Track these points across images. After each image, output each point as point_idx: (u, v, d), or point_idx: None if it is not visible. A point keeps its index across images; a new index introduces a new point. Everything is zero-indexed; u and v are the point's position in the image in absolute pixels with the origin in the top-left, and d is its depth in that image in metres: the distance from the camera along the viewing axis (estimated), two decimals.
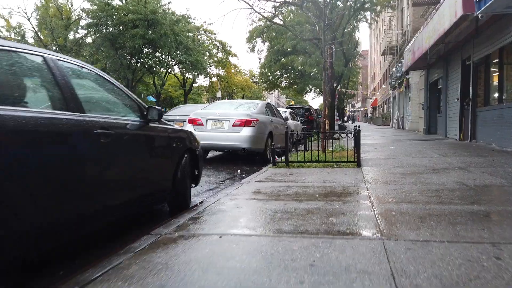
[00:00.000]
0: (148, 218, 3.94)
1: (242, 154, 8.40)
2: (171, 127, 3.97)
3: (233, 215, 3.43)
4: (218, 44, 44.73)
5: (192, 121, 8.52)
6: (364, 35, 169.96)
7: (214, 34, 44.62)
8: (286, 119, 11.04)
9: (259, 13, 12.60)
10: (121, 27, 30.24)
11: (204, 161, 9.07)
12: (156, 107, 3.51)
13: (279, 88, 42.14)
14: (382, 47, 28.67)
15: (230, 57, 48.10)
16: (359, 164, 6.57)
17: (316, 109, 27.82)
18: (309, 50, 18.86)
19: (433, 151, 9.09)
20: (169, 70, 36.25)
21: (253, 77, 43.80)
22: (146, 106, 3.48)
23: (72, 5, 28.11)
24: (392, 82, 27.71)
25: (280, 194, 4.34)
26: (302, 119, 20.47)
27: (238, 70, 64.25)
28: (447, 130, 13.64)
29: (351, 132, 6.81)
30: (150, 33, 29.19)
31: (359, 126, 6.63)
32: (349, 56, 21.15)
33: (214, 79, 56.27)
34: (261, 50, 21.36)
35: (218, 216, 3.37)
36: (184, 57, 32.46)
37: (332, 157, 7.19)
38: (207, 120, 8.39)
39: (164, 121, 3.89)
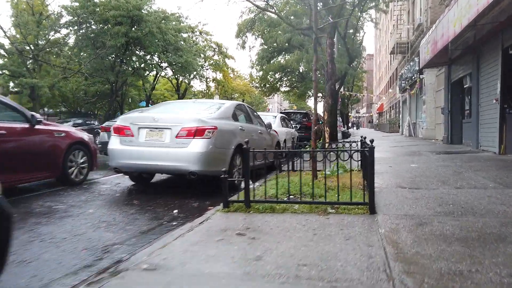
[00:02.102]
0: None
1: (192, 179, 5.55)
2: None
3: None
4: (214, 46, 42.27)
5: (118, 130, 5.70)
6: (369, 39, 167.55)
7: (210, 35, 42.14)
8: (269, 126, 8.20)
9: (249, 0, 9.83)
10: (102, 25, 27.70)
11: (147, 186, 6.24)
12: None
13: (279, 92, 39.36)
14: (390, 46, 25.84)
15: (227, 60, 45.63)
16: (372, 209, 3.70)
17: (317, 114, 24.97)
18: (306, 45, 16.10)
19: (476, 173, 6.19)
20: (160, 72, 33.57)
21: (253, 82, 41.48)
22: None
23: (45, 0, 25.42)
24: (402, 84, 24.81)
25: None
26: (299, 125, 17.66)
27: (237, 74, 61.78)
28: (479, 140, 10.72)
29: (357, 151, 3.93)
30: (134, 31, 26.58)
31: (371, 141, 3.83)
32: (354, 52, 18.33)
33: (211, 83, 53.87)
34: (253, 47, 18.70)
35: None
36: (174, 58, 29.81)
37: (326, 188, 4.35)
38: (139, 128, 5.56)
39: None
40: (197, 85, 63.44)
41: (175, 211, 4.56)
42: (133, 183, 6.59)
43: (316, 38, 6.01)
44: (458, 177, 5.83)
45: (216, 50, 42.75)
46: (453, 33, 9.38)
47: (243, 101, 65.43)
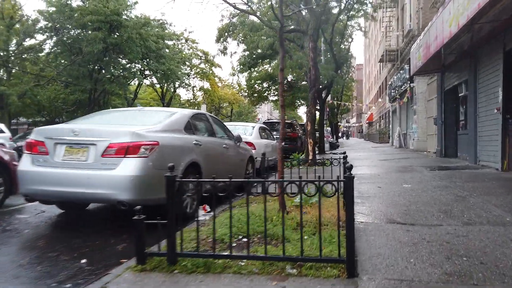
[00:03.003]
0: None
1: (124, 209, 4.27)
2: None
3: None
4: (200, 54, 41.25)
5: (30, 146, 4.42)
6: (358, 50, 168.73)
7: (196, 43, 41.10)
8: (239, 139, 6.96)
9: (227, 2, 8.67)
10: (80, 31, 26.42)
11: (79, 216, 4.91)
12: None
13: (267, 101, 38.41)
14: (379, 54, 24.99)
15: (214, 68, 44.60)
16: (351, 270, 2.48)
17: (302, 124, 23.89)
18: (290, 50, 15.03)
19: (484, 199, 5.04)
20: (141, 80, 32.22)
21: (242, 91, 40.45)
22: None
23: (16, 3, 24.08)
24: (392, 93, 23.90)
25: None
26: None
27: (225, 83, 60.73)
28: (478, 154, 9.64)
29: (330, 182, 2.72)
30: (112, 36, 25.32)
31: (349, 168, 2.65)
32: (341, 59, 17.32)
33: (199, 92, 52.69)
34: (234, 53, 17.50)
35: None
36: (155, 65, 28.58)
37: (296, 225, 3.20)
38: (55, 144, 4.30)
39: None
40: (184, 94, 62.21)
41: (83, 260, 3.28)
42: (62, 211, 5.29)
43: (282, 29, 4.82)
44: (463, 205, 4.65)
45: (202, 58, 41.76)
46: (448, 34, 8.33)
47: (231, 111, 64.38)
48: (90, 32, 25.21)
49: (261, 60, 17.13)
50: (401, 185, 6.66)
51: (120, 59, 28.47)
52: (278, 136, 16.69)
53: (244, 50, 17.08)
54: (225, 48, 16.89)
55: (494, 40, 8.48)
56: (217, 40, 16.18)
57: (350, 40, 18.57)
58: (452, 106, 12.54)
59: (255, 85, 32.39)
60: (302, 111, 57.47)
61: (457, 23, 7.66)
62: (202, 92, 47.69)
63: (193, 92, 47.94)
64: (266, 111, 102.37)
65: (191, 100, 49.80)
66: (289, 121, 17.62)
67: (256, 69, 17.67)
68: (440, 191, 5.77)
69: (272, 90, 33.33)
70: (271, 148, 11.49)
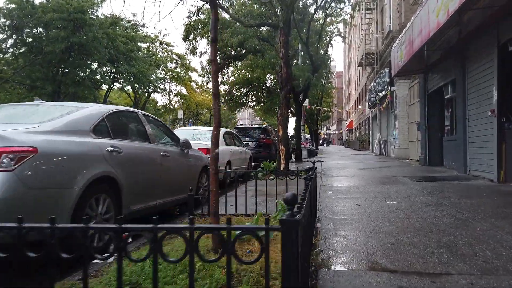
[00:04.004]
0: None
1: None
2: None
3: None
4: (175, 58, 39.78)
5: None
6: (338, 57, 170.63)
7: (171, 46, 39.69)
8: (186, 144, 5.57)
9: None
10: (42, 30, 24.56)
11: None
12: None
13: (244, 107, 37.24)
14: (358, 58, 24.14)
15: (191, 73, 43.18)
16: None
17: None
18: (262, 49, 13.84)
19: (495, 224, 3.84)
20: (111, 84, 30.38)
21: (221, 98, 39.15)
22: None
23: None
24: (372, 99, 23.01)
25: None
26: (256, 143, 15.21)
27: (204, 89, 59.30)
28: (468, 163, 8.57)
29: (257, 231, 1.52)
30: (76, 36, 23.56)
31: (291, 204, 1.41)
32: (318, 61, 16.22)
33: (175, 97, 51.14)
34: (205, 52, 16.11)
35: None
36: (125, 68, 26.92)
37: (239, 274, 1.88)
38: None
39: None
40: (160, 99, 60.42)
41: None
42: None
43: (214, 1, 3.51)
44: (469, 235, 3.43)
45: (178, 62, 40.30)
46: (435, 25, 7.24)
47: (210, 117, 63.11)
48: (53, 30, 23.46)
49: (232, 61, 15.85)
50: (384, 201, 5.43)
51: (88, 62, 26.68)
52: (251, 141, 15.44)
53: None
54: (194, 47, 15.50)
55: (486, 33, 7.44)
56: (185, 39, 14.78)
57: (327, 40, 17.52)
58: (437, 110, 11.54)
59: (233, 91, 31.28)
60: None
61: (447, 10, 6.57)
62: (179, 98, 46.07)
63: (169, 98, 46.32)
64: (247, 118, 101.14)
65: (168, 106, 48.15)
66: (263, 127, 16.40)
67: (227, 70, 16.40)
68: (434, 211, 4.55)
69: (250, 95, 32.26)
70: (238, 156, 10.17)
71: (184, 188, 4.82)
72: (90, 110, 3.93)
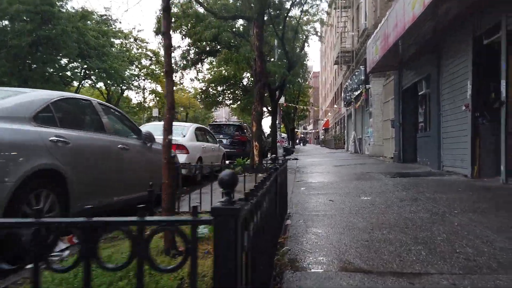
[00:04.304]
0: None
1: None
2: None
3: None
4: (150, 54, 38.82)
5: None
6: (315, 57, 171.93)
7: (146, 42, 38.72)
8: (149, 137, 5.16)
9: None
10: (8, 23, 23.30)
11: None
12: None
13: (220, 106, 36.81)
14: (334, 57, 24.15)
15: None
16: None
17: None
18: (237, 43, 13.51)
19: (471, 219, 3.65)
20: (81, 80, 29.24)
21: (197, 96, 38.17)
22: None
23: None
24: (347, 97, 23.06)
25: None
26: (230, 140, 14.86)
27: (180, 87, 58.31)
28: (442, 159, 8.51)
29: (184, 223, 1.21)
30: (44, 29, 22.48)
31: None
32: (294, 57, 16.00)
33: (150, 95, 50.08)
34: (178, 47, 15.58)
35: None
36: (96, 63, 25.95)
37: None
38: None
39: None
40: (134, 96, 58.98)
41: None
42: None
43: None
44: (447, 230, 3.20)
45: (152, 58, 39.37)
46: (411, 18, 7.10)
47: (186, 115, 62.10)
48: (19, 23, 22.32)
49: (206, 56, 15.42)
50: (358, 196, 5.19)
51: (57, 57, 25.50)
52: (226, 139, 15.06)
53: (189, 44, 15.25)
54: None
55: (462, 26, 7.37)
56: (157, 32, 14.23)
57: (303, 37, 17.33)
58: (411, 107, 11.51)
59: (209, 89, 30.81)
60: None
61: (423, 2, 6.42)
62: (153, 95, 44.97)
63: (143, 95, 45.19)
64: (224, 117, 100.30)
65: (142, 104, 46.98)
66: (238, 123, 16.06)
67: (202, 67, 15.96)
68: (410, 206, 4.33)
69: (227, 94, 31.90)
70: (211, 153, 9.78)
71: (144, 186, 4.42)
72: (33, 96, 3.48)
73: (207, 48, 15.45)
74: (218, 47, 15.75)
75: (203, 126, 10.28)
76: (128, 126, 5.06)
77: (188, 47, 15.37)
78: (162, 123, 9.14)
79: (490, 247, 2.68)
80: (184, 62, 15.17)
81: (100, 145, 4.07)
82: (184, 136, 8.56)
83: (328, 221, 3.71)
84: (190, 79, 31.46)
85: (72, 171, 3.47)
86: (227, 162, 12.90)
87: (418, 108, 11.26)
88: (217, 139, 11.50)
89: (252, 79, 20.44)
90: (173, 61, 18.66)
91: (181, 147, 7.98)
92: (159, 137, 7.74)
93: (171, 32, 9.85)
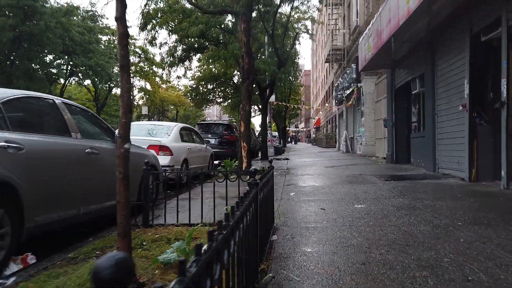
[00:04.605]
0: None
1: None
2: None
3: None
4: (139, 51, 38.16)
5: None
6: (306, 56, 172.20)
7: (134, 39, 37.96)
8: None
9: None
10: None
11: None
12: None
13: (210, 104, 36.27)
14: (326, 54, 23.80)
15: (155, 68, 41.63)
16: None
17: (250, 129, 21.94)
18: (225, 39, 13.05)
19: (478, 234, 3.27)
20: (67, 78, 28.48)
21: (188, 93, 37.55)
22: None
23: None
24: (339, 96, 22.75)
25: None
26: (219, 139, 14.43)
27: (170, 85, 57.58)
28: (437, 160, 8.19)
29: None
30: (27, 24, 21.75)
31: None
32: (284, 55, 15.59)
33: (139, 93, 49.41)
34: (165, 43, 15.05)
35: None
36: (82, 60, 25.27)
37: None
38: None
39: None
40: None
41: None
42: None
43: None
44: (454, 249, 2.82)
45: (141, 56, 38.70)
46: (406, 12, 6.74)
47: (177, 113, 61.34)
48: (1, 18, 21.54)
49: (194, 53, 14.92)
50: (352, 204, 4.81)
51: (42, 54, 24.74)
52: (214, 138, 14.61)
53: (176, 41, 14.73)
54: (154, 38, 14.40)
55: (458, 23, 7.03)
56: (142, 28, 13.68)
57: (294, 34, 16.92)
58: (404, 106, 11.20)
59: (199, 87, 30.35)
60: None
61: None
62: (142, 93, 44.17)
63: (132, 93, 44.42)
64: (215, 115, 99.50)
65: (132, 101, 46.15)
66: (226, 123, 15.62)
67: (190, 64, 15.44)
68: (408, 217, 3.96)
69: (217, 92, 31.46)
70: (197, 154, 9.31)
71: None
72: None
73: (195, 45, 14.94)
74: (206, 43, 15.26)
75: (189, 125, 9.78)
76: (99, 127, 4.60)
77: (175, 44, 14.85)
78: (147, 122, 8.67)
79: (507, 273, 2.31)
80: (171, 59, 14.63)
81: (62, 149, 3.61)
82: (168, 136, 8.08)
83: (320, 236, 3.31)
84: (177, 76, 30.98)
85: (26, 182, 3.01)
86: (215, 162, 12.48)
87: (411, 108, 10.95)
88: (205, 139, 11.02)
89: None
90: (159, 58, 18.02)
91: (165, 149, 7.51)
92: (139, 138, 7.26)
93: (157, 28, 9.29)
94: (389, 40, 8.10)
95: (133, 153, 5.03)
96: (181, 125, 8.86)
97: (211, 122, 15.92)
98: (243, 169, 9.07)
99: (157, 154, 7.35)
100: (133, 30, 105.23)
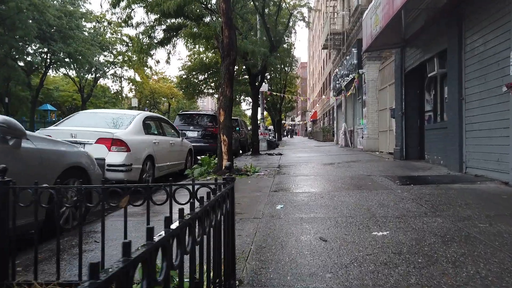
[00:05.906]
0: None
1: None
2: None
3: None
4: (126, 40, 36.10)
5: None
6: (302, 48, 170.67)
7: (121, 26, 35.91)
8: (6, 129, 2.99)
9: None
10: None
11: None
12: None
13: (202, 95, 34.48)
14: (323, 40, 22.03)
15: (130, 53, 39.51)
16: None
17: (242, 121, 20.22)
18: (206, 15, 11.29)
19: None
20: (46, 66, 26.46)
21: (178, 85, 35.64)
22: None
23: None
24: (337, 85, 21.02)
25: None
26: (202, 132, 12.71)
27: (162, 76, 55.57)
28: (465, 158, 6.52)
29: None
30: None
31: None
32: (277, 36, 13.83)
33: (128, 84, 47.46)
34: (142, 23, 13.25)
35: None
36: (60, 46, 23.33)
37: None
38: None
39: None
40: (111, 85, 55.84)
41: None
42: None
43: None
44: None
45: (129, 44, 36.66)
46: None
47: (169, 106, 59.47)
48: None
49: (174, 33, 13.13)
50: (367, 228, 3.14)
51: (14, 38, 22.72)
52: (197, 131, 12.88)
53: (155, 20, 12.94)
54: (129, 17, 12.56)
55: None
56: (114, 5, 11.84)
57: (289, 14, 15.13)
58: (416, 92, 9.52)
59: (190, 77, 28.74)
60: (245, 106, 53.02)
61: None
62: (130, 83, 42.09)
63: (120, 84, 42.50)
64: (211, 108, 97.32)
65: (120, 93, 44.12)
66: (211, 113, 13.90)
67: (172, 48, 13.69)
68: (467, 258, 2.28)
69: (209, 83, 29.87)
70: (169, 149, 7.45)
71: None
72: None
73: (175, 26, 13.12)
74: (188, 23, 13.42)
75: (158, 115, 7.97)
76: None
77: (154, 24, 13.01)
78: (104, 110, 6.73)
79: None
80: (148, 40, 12.81)
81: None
82: (126, 127, 6.30)
83: None
84: (156, 60, 29.07)
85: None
86: (198, 158, 10.77)
87: (424, 94, 9.28)
88: (183, 131, 9.22)
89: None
90: (135, 39, 16.11)
91: (118, 143, 5.76)
92: (87, 129, 5.55)
93: (133, 6, 7.30)
94: (406, 3, 6.37)
95: (28, 149, 3.30)
96: (146, 113, 7.04)
97: (194, 112, 14.16)
98: (223, 168, 7.37)
99: (109, 150, 5.63)
100: (104, 7, 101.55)
